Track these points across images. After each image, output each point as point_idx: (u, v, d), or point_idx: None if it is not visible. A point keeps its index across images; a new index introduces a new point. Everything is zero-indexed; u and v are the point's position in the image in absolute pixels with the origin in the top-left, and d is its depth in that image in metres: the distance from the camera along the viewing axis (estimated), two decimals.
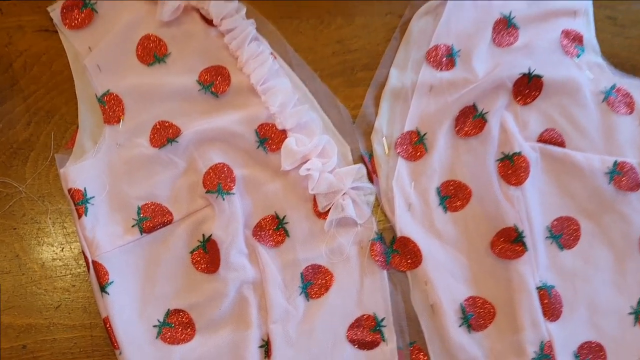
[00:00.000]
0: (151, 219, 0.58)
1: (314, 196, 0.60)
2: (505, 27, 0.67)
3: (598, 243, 0.62)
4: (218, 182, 0.59)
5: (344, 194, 0.59)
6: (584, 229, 0.62)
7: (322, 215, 0.60)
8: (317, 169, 0.59)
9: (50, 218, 0.59)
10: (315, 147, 0.60)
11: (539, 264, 0.59)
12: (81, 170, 0.59)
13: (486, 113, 0.63)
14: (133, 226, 0.58)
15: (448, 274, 0.59)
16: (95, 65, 0.62)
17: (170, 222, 0.59)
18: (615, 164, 0.62)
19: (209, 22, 0.64)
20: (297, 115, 0.61)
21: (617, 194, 0.62)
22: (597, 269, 0.61)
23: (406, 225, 0.60)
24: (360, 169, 0.61)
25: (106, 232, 0.58)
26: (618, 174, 0.62)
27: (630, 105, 0.65)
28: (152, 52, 0.63)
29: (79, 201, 0.58)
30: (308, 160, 0.59)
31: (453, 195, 0.62)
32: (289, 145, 0.59)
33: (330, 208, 0.59)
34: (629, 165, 0.62)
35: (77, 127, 0.61)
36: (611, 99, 0.65)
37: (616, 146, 0.64)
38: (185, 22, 0.64)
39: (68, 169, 0.59)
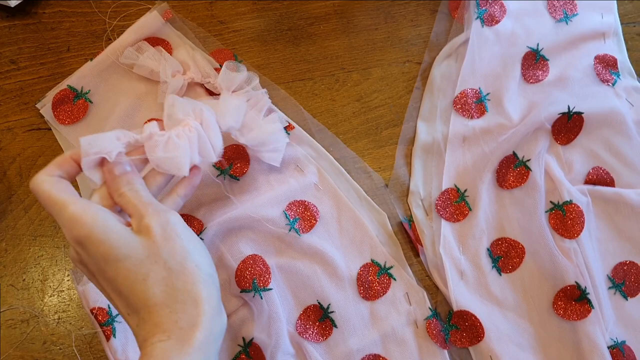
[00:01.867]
0: None
1: (357, 278, 0.55)
2: (534, 61, 0.62)
3: None
4: (252, 277, 0.54)
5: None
6: None
7: (370, 297, 0.55)
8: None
9: (75, 344, 0.53)
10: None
11: (606, 319, 0.55)
12: None
13: (528, 161, 0.58)
14: None
15: (513, 344, 0.55)
16: None
17: None
18: None
19: (215, 96, 0.58)
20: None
21: None
22: None
23: (462, 296, 0.56)
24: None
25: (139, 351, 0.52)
26: None
27: None
28: None
29: (105, 321, 0.52)
30: None
31: (505, 255, 0.57)
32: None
33: None
34: None
35: None
36: None
37: None
38: (189, 96, 0.59)
39: (87, 286, 0.53)
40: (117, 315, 0.52)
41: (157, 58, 0.57)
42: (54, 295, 0.54)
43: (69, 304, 0.54)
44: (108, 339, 0.52)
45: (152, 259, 0.39)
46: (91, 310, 0.52)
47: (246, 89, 0.57)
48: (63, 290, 0.55)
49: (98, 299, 0.53)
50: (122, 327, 0.52)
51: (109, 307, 0.52)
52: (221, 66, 0.58)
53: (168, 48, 0.60)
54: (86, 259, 0.40)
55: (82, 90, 0.58)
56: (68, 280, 0.55)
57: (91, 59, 0.59)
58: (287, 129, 0.58)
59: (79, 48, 0.60)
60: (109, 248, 0.38)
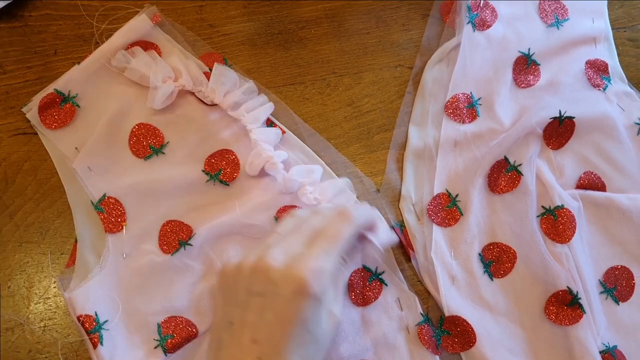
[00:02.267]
0: (174, 336, 0.52)
1: (349, 284, 0.54)
2: (525, 66, 0.62)
3: None
4: None
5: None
6: (638, 277, 0.58)
7: (361, 303, 0.54)
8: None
9: (61, 352, 0.52)
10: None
11: (598, 324, 0.54)
12: (88, 292, 0.52)
13: (519, 165, 0.58)
14: (156, 347, 0.52)
15: (505, 349, 0.54)
16: (85, 168, 0.56)
17: (195, 336, 0.53)
18: None
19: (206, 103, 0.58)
20: (331, 187, 0.55)
21: None
22: None
23: (454, 301, 0.55)
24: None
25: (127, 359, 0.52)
26: None
27: None
28: (147, 143, 0.57)
29: (92, 329, 0.51)
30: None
31: (497, 260, 0.57)
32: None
33: None
34: None
35: (76, 241, 0.54)
36: None
37: None
38: (180, 105, 0.58)
39: (73, 293, 0.52)
40: (104, 322, 0.52)
41: (149, 63, 0.57)
42: (39, 303, 0.53)
43: (55, 312, 0.53)
44: (95, 346, 0.51)
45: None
46: (78, 318, 0.52)
47: (247, 96, 0.57)
48: (49, 298, 0.54)
49: (85, 306, 0.52)
50: (109, 335, 0.52)
51: (96, 315, 0.52)
52: (210, 70, 0.57)
53: (157, 52, 0.59)
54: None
55: (69, 94, 0.57)
56: (54, 288, 0.54)
57: (79, 63, 0.58)
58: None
59: (66, 51, 0.60)
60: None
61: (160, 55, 0.58)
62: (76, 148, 0.56)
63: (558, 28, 0.64)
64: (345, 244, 0.42)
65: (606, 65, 0.63)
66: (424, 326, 0.54)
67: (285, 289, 0.38)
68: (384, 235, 0.48)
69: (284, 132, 0.58)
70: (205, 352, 0.52)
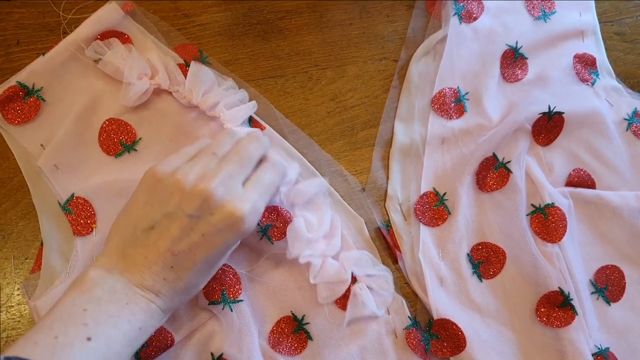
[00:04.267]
0: (148, 345, 0.49)
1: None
2: (513, 60, 0.60)
3: None
4: (222, 289, 0.50)
5: (357, 282, 0.51)
6: (629, 277, 0.56)
7: (347, 307, 0.52)
8: (319, 254, 0.51)
9: None
10: (326, 227, 0.52)
11: (590, 326, 0.53)
12: (55, 300, 0.49)
13: (508, 162, 0.56)
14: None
15: (495, 353, 0.53)
16: (52, 166, 0.52)
17: (171, 344, 0.50)
18: None
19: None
20: (307, 189, 0.52)
21: None
22: None
23: (442, 304, 0.53)
24: (363, 254, 0.53)
25: None
26: None
27: None
28: (118, 140, 0.54)
29: None
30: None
31: (486, 260, 0.55)
32: (298, 228, 0.51)
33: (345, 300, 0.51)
34: None
35: (41, 245, 0.51)
36: (635, 126, 0.60)
37: None
38: (155, 101, 0.55)
39: (39, 301, 0.48)
40: None
41: (125, 56, 0.53)
42: (2, 312, 0.50)
43: (19, 321, 0.50)
44: None
45: None
46: None
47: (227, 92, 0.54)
48: (12, 306, 0.50)
49: None
50: None
51: None
52: (185, 62, 0.54)
53: (128, 42, 0.55)
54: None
55: (33, 88, 0.53)
56: (18, 295, 0.50)
57: (43, 54, 0.54)
58: (255, 126, 0.55)
59: (29, 42, 0.56)
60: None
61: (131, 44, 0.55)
62: (42, 145, 0.53)
63: (545, 21, 0.62)
64: (273, 191, 0.46)
65: (594, 60, 0.61)
66: (412, 330, 0.52)
67: (220, 221, 0.42)
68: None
69: (263, 128, 0.55)
70: None
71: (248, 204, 0.43)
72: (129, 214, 0.44)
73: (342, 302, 0.52)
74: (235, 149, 0.46)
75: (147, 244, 0.42)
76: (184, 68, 0.54)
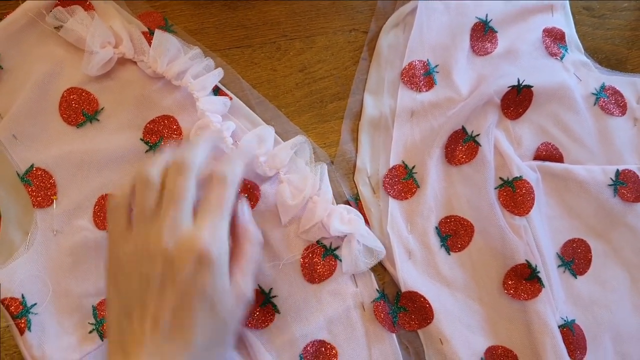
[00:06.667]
0: None
1: (302, 258, 0.51)
2: (482, 33, 0.60)
3: (611, 263, 0.57)
4: None
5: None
6: (595, 250, 0.57)
7: (314, 280, 0.51)
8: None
9: None
10: (313, 187, 0.51)
11: (556, 298, 0.53)
12: (14, 273, 0.48)
13: (477, 136, 0.56)
14: (91, 332, 0.48)
15: (463, 326, 0.53)
16: (10, 136, 0.50)
17: None
18: (618, 173, 0.57)
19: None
20: (284, 152, 0.52)
21: (624, 207, 0.57)
22: (614, 291, 0.56)
23: (410, 277, 0.53)
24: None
25: (58, 347, 0.47)
26: (622, 184, 0.57)
27: (622, 106, 0.61)
28: (79, 109, 0.52)
29: (18, 313, 0.47)
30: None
31: (454, 234, 0.55)
32: (284, 197, 0.50)
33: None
34: (632, 173, 0.57)
35: None
36: (602, 100, 0.60)
37: (614, 152, 0.59)
38: (118, 70, 0.53)
39: None
40: (32, 306, 0.47)
41: (88, 24, 0.51)
42: None
43: None
44: (22, 332, 0.47)
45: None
46: (2, 301, 0.47)
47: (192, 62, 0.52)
48: None
49: (10, 288, 0.47)
50: (38, 320, 0.47)
51: (23, 298, 0.47)
52: (150, 30, 0.52)
53: (90, 9, 0.54)
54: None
55: None
56: None
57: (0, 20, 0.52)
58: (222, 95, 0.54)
59: None
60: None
61: (93, 10, 0.53)
62: None
63: None
64: (229, 207, 0.42)
65: (563, 34, 0.61)
66: (380, 303, 0.52)
67: (184, 264, 0.39)
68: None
69: (230, 98, 0.54)
70: None
71: (205, 232, 0.39)
72: (110, 316, 0.42)
73: (309, 274, 0.51)
74: (167, 187, 0.41)
75: (134, 329, 0.39)
76: (149, 36, 0.53)
